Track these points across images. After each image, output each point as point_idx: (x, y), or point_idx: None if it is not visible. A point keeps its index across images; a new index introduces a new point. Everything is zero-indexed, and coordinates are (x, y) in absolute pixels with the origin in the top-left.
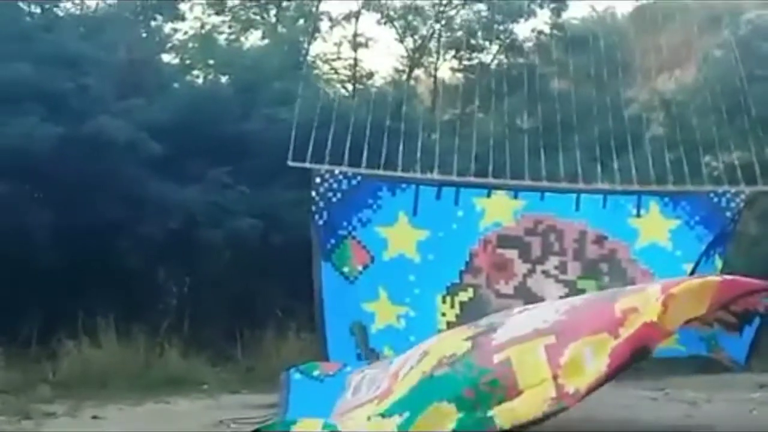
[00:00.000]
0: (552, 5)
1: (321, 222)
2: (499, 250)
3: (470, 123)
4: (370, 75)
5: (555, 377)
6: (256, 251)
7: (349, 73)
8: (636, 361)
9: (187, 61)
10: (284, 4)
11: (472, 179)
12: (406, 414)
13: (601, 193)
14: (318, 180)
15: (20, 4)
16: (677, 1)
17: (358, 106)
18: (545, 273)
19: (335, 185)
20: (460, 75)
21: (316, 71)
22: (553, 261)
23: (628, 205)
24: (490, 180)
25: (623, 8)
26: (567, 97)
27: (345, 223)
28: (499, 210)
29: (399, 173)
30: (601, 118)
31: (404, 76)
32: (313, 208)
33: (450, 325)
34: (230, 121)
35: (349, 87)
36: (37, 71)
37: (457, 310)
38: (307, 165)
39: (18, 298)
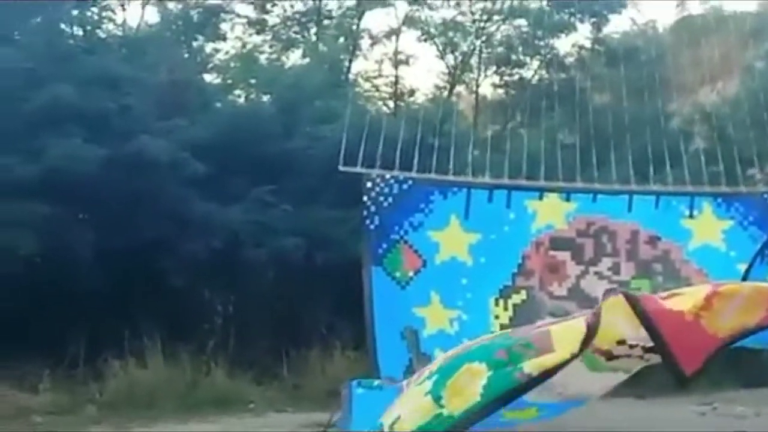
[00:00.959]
0: (592, 20)
1: (372, 227)
2: (552, 252)
3: (512, 138)
4: (412, 92)
5: (587, 337)
6: (300, 269)
7: (390, 90)
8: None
9: (229, 81)
10: (325, 22)
11: (523, 182)
12: (435, 377)
13: (654, 195)
14: (369, 185)
15: (62, 26)
16: (718, 14)
17: (399, 122)
18: (598, 274)
19: (386, 189)
20: (501, 91)
21: (357, 89)
22: (606, 262)
23: (681, 206)
24: (542, 183)
25: (664, 21)
26: (608, 111)
27: (397, 228)
28: (551, 212)
29: (450, 177)
30: (643, 131)
31: (445, 93)
32: (364, 212)
33: (503, 328)
34: (272, 140)
35: (391, 104)
36: (80, 93)
37: (510, 312)
38: (357, 169)
39: (64, 319)
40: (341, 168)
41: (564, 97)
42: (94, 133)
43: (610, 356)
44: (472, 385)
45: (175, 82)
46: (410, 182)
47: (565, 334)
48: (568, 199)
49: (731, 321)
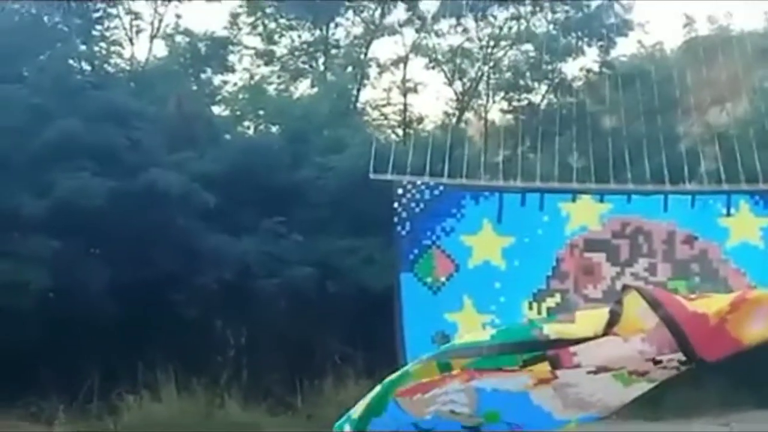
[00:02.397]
0: (600, 43)
1: (403, 232)
2: (587, 254)
3: (523, 162)
4: (420, 119)
5: (611, 321)
6: (312, 299)
7: (399, 118)
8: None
9: (238, 112)
10: (332, 51)
11: (555, 185)
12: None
13: (689, 194)
14: (400, 191)
15: (71, 61)
16: (726, 34)
17: (408, 150)
18: (634, 275)
19: (418, 195)
20: (510, 116)
21: (366, 117)
22: (643, 263)
23: (718, 205)
24: (574, 185)
25: (672, 43)
26: (618, 133)
27: (429, 233)
28: (585, 214)
29: (481, 182)
30: (652, 153)
31: (454, 119)
32: (395, 219)
33: None
34: (282, 171)
35: (400, 132)
36: (88, 127)
37: (543, 316)
38: (388, 176)
39: (78, 353)
40: (372, 176)
41: (573, 121)
42: (104, 167)
43: (646, 373)
44: (482, 334)
45: (184, 115)
46: (441, 188)
47: (588, 316)
48: (601, 201)
49: (761, 330)
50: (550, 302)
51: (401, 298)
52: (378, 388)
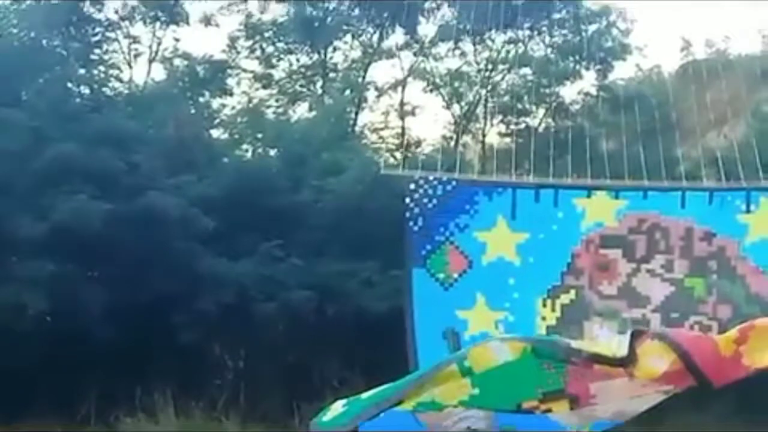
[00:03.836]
0: (597, 67)
1: (416, 228)
2: (602, 250)
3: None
4: (418, 143)
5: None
6: (311, 323)
7: (397, 141)
8: (694, 376)
9: (236, 136)
10: (330, 75)
11: (569, 181)
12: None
13: (707, 191)
14: (413, 186)
15: (69, 85)
16: (723, 58)
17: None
18: (651, 272)
19: (430, 191)
20: (508, 139)
21: (363, 141)
22: (659, 259)
23: (736, 201)
24: (588, 181)
25: (670, 66)
26: (616, 157)
27: (442, 229)
28: (601, 210)
29: (494, 178)
30: (651, 177)
31: (452, 143)
32: (407, 214)
33: (549, 329)
34: (280, 194)
35: (398, 155)
36: (86, 151)
37: (558, 312)
38: (399, 172)
39: (75, 376)
40: (383, 171)
41: (571, 145)
42: (102, 191)
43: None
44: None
45: (182, 138)
46: (454, 183)
47: (605, 344)
48: (617, 197)
49: None
50: (565, 299)
51: (412, 293)
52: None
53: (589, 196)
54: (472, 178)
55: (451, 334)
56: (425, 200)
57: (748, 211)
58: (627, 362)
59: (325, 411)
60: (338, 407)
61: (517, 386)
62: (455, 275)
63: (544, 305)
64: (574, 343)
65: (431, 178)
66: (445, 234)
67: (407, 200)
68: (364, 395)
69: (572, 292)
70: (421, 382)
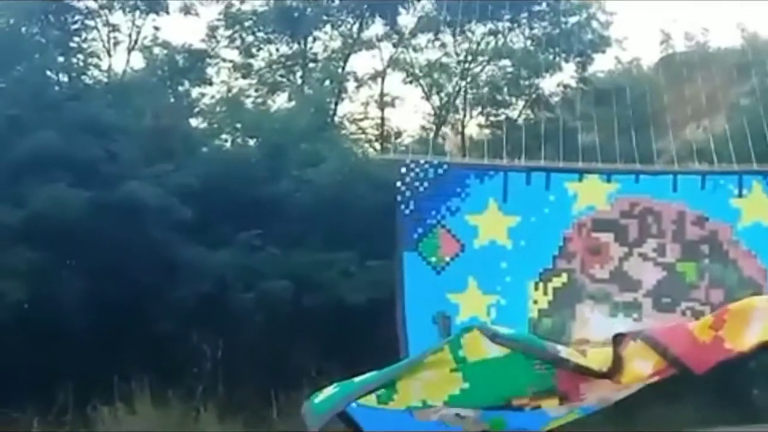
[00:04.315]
0: (577, 59)
1: (407, 211)
2: (594, 234)
3: None
4: (398, 134)
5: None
6: (289, 312)
7: (376, 132)
8: (676, 368)
9: (215, 125)
10: (310, 65)
11: (560, 164)
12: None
13: (699, 174)
14: (404, 170)
15: (48, 73)
16: (702, 51)
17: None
18: (643, 256)
19: (422, 174)
20: (487, 131)
21: (343, 132)
22: (651, 243)
23: (729, 185)
24: (580, 164)
25: (649, 59)
26: (595, 149)
27: (433, 212)
28: (593, 193)
29: (485, 161)
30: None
31: (432, 134)
32: (399, 197)
33: (541, 313)
34: (259, 184)
35: (377, 146)
36: (65, 139)
37: (550, 296)
38: (391, 156)
39: (53, 365)
40: (379, 156)
41: (550, 136)
42: (81, 179)
43: None
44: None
45: (161, 128)
46: (445, 167)
47: (598, 353)
48: (609, 180)
49: (759, 335)
50: (557, 282)
51: (403, 277)
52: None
53: (580, 180)
54: (463, 161)
55: (442, 318)
56: (416, 183)
57: (740, 195)
58: (613, 373)
59: (317, 394)
60: (330, 389)
61: (508, 382)
62: (447, 259)
63: (536, 289)
64: (563, 352)
65: (422, 161)
66: (436, 217)
67: (398, 184)
68: (356, 379)
69: (564, 275)
70: (413, 365)
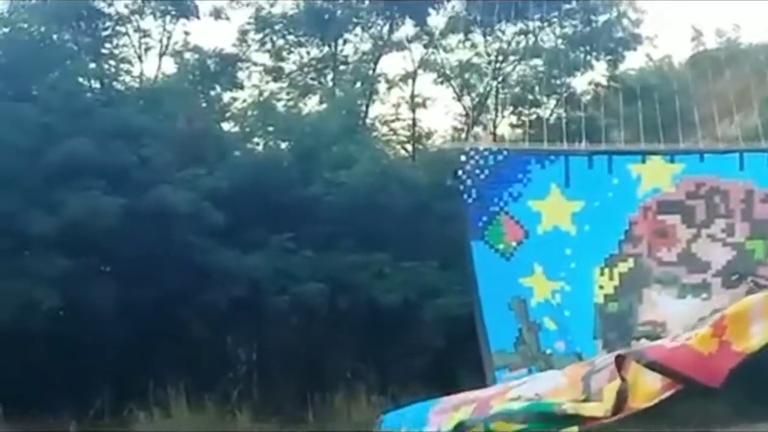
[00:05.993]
0: (608, 57)
1: (470, 200)
2: (660, 217)
3: None
4: (429, 135)
5: (621, 392)
6: (323, 315)
7: (408, 133)
8: (684, 383)
9: (247, 129)
10: (341, 68)
11: (622, 146)
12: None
13: (766, 152)
14: (464, 158)
15: (80, 80)
16: (734, 47)
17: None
18: (711, 237)
19: (482, 162)
20: (519, 130)
21: (374, 133)
22: (720, 224)
23: None
24: (642, 146)
25: (680, 56)
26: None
27: (496, 199)
28: (657, 175)
29: (545, 146)
30: None
31: (463, 134)
32: (461, 187)
33: (607, 298)
34: (291, 187)
35: (409, 147)
36: (98, 145)
37: (616, 281)
38: (447, 146)
39: (89, 371)
40: (436, 145)
41: (582, 135)
42: (114, 186)
43: None
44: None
45: (193, 132)
46: (505, 153)
47: (610, 390)
48: (672, 161)
49: (764, 331)
50: (623, 267)
51: (474, 266)
52: None
53: (644, 162)
54: (523, 147)
55: (518, 303)
56: (477, 171)
57: None
58: (619, 408)
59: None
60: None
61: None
62: (514, 244)
63: (602, 274)
64: (570, 409)
65: (482, 148)
66: (499, 204)
67: (459, 172)
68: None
69: (630, 260)
70: None
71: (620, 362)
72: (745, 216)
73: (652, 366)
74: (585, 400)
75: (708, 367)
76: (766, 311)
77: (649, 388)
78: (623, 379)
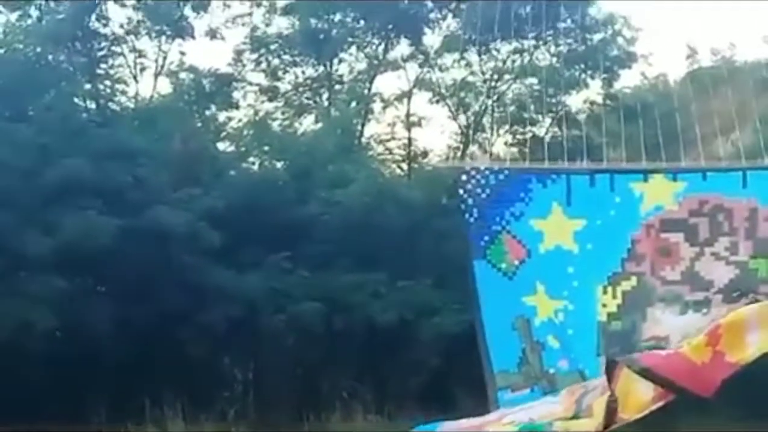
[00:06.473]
0: (603, 75)
1: (471, 219)
2: (663, 235)
3: None
4: (425, 153)
5: (610, 403)
6: (319, 335)
7: (403, 152)
8: (675, 392)
9: (242, 149)
10: (336, 87)
11: (624, 165)
12: None
13: None
14: (464, 177)
15: (76, 100)
16: (729, 65)
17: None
18: (715, 255)
19: (483, 181)
20: (515, 149)
21: (370, 152)
22: (724, 242)
23: None
24: (643, 164)
25: (675, 74)
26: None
27: (498, 218)
28: (659, 193)
29: (547, 165)
30: None
31: (459, 153)
32: (462, 206)
33: (611, 317)
34: (287, 206)
35: (405, 166)
36: (94, 166)
37: (619, 300)
38: (450, 164)
39: (85, 391)
40: (431, 164)
41: (578, 153)
42: (110, 206)
43: None
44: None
45: (189, 152)
46: (506, 172)
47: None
48: (675, 179)
49: (761, 343)
50: (626, 285)
51: (476, 285)
52: None
53: (646, 180)
54: (524, 166)
55: (522, 322)
56: (478, 190)
57: None
58: (610, 421)
59: None
60: None
61: None
62: (516, 263)
63: (605, 293)
64: (559, 428)
65: (483, 167)
66: (501, 223)
67: (461, 191)
68: None
69: (633, 278)
70: None
71: (611, 369)
72: (749, 234)
73: (645, 373)
74: (574, 417)
75: (701, 377)
76: (763, 321)
77: (640, 399)
78: (612, 391)
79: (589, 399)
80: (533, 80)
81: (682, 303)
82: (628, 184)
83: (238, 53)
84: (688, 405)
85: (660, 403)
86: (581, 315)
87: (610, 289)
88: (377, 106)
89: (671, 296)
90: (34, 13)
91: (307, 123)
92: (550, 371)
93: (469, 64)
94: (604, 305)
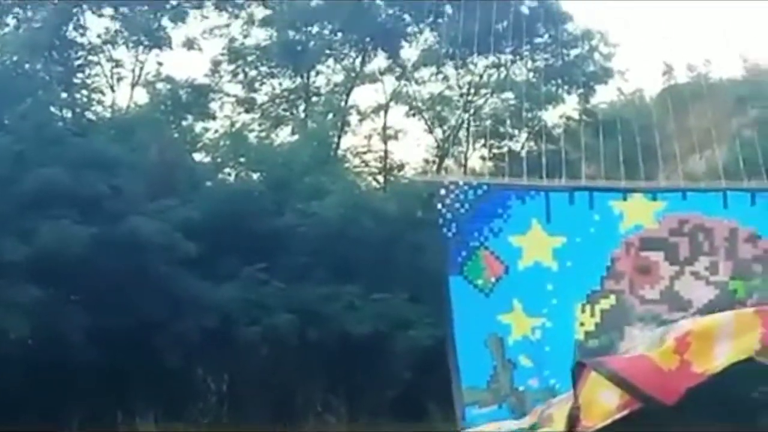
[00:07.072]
0: (579, 91)
1: (450, 234)
2: (643, 253)
3: None
4: (401, 166)
5: (573, 410)
6: (294, 346)
7: (379, 165)
8: (642, 401)
9: (219, 160)
10: (313, 99)
11: (602, 183)
12: None
13: (748, 191)
14: (443, 192)
15: (52, 109)
16: (705, 82)
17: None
18: (695, 274)
19: (461, 196)
20: (490, 163)
21: (346, 165)
22: (704, 261)
23: None
24: (622, 182)
25: (651, 90)
26: (598, 181)
27: (476, 234)
28: (639, 212)
29: (525, 181)
30: None
31: (435, 167)
32: (441, 220)
33: (588, 335)
34: (263, 218)
35: (380, 179)
36: (70, 175)
37: (597, 318)
38: (428, 178)
39: (57, 400)
40: (409, 176)
41: (554, 168)
42: (85, 215)
43: None
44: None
45: (165, 162)
46: (485, 188)
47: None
48: (654, 199)
49: (730, 353)
50: (605, 304)
51: (451, 302)
52: None
53: (625, 199)
54: (503, 181)
55: (494, 340)
56: (457, 205)
57: None
58: (573, 424)
59: None
60: None
61: None
62: (493, 280)
63: (583, 311)
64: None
65: (461, 182)
66: (479, 239)
67: (439, 206)
68: None
69: (612, 297)
70: None
71: (579, 371)
72: (729, 255)
73: (611, 377)
74: (532, 428)
75: (665, 385)
76: (736, 331)
77: (604, 407)
78: (576, 397)
79: (552, 409)
80: (510, 95)
81: (660, 322)
82: (607, 202)
83: (216, 64)
84: (651, 415)
85: (624, 412)
86: (559, 333)
87: (588, 307)
88: (354, 118)
89: (649, 316)
90: (11, 21)
91: (284, 134)
92: (520, 389)
93: (446, 78)
94: (582, 324)
